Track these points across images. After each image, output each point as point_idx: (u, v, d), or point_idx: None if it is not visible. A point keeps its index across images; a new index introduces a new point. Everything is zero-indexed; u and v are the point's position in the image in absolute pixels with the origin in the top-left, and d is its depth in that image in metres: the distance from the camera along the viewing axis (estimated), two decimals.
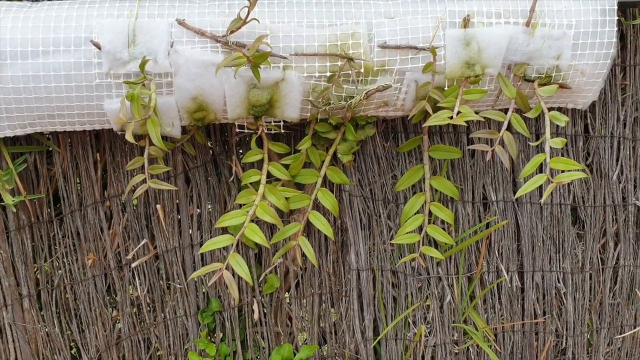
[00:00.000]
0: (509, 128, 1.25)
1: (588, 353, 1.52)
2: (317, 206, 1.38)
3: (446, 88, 1.22)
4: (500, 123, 1.24)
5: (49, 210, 1.41)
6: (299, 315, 1.50)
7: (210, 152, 1.42)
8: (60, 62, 1.14)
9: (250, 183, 1.31)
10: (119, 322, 1.49)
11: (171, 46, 1.15)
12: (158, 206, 1.41)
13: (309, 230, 1.44)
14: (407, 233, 1.35)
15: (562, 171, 1.18)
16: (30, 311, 1.45)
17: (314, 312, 1.49)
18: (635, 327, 1.52)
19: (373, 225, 1.44)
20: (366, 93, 1.20)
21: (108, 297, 1.48)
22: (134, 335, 1.48)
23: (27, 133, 1.25)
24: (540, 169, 1.33)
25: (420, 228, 1.36)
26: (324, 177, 1.35)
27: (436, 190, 1.39)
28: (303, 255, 1.34)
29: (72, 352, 1.51)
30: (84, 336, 1.48)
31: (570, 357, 1.51)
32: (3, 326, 1.45)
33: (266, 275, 1.46)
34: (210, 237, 1.41)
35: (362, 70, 1.18)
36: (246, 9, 1.10)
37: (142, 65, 1.12)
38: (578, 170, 1.18)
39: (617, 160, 1.44)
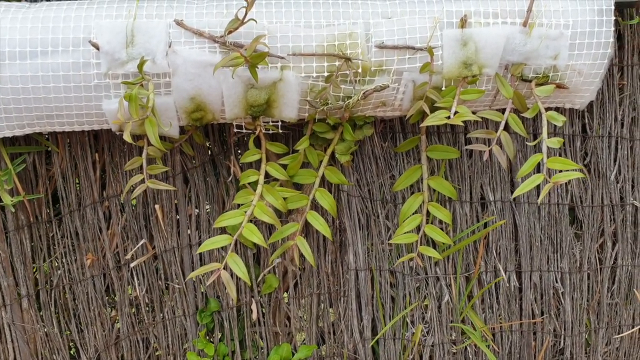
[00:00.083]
0: (507, 128, 1.25)
1: (586, 353, 1.53)
2: (315, 206, 1.38)
3: (444, 88, 1.23)
4: (498, 123, 1.25)
5: (47, 210, 1.42)
6: (297, 315, 1.50)
7: (209, 152, 1.42)
8: (59, 62, 1.15)
9: (249, 183, 1.32)
10: (117, 322, 1.49)
11: (169, 46, 1.15)
12: (157, 206, 1.41)
13: (308, 230, 1.44)
14: (405, 233, 1.35)
15: (560, 171, 1.19)
16: (29, 311, 1.45)
17: (312, 312, 1.49)
18: (633, 327, 1.52)
19: (371, 225, 1.44)
20: (364, 93, 1.20)
21: (107, 297, 1.48)
22: (132, 335, 1.49)
23: (26, 133, 1.26)
24: (538, 168, 1.34)
25: (418, 228, 1.36)
26: (322, 177, 1.36)
27: (434, 190, 1.39)
28: (301, 255, 1.34)
29: (71, 352, 1.52)
30: (82, 336, 1.48)
31: (568, 357, 1.51)
32: (2, 326, 1.46)
33: (265, 275, 1.47)
34: (209, 237, 1.42)
35: (359, 70, 1.18)
36: (244, 10, 1.10)
37: (141, 65, 1.12)
38: (575, 170, 1.18)
39: (615, 160, 1.45)
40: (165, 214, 1.42)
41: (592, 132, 1.43)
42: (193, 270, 1.44)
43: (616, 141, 1.44)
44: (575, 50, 1.23)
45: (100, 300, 1.46)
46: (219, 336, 1.49)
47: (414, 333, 1.47)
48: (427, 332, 1.48)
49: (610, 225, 1.47)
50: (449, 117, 1.18)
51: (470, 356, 1.49)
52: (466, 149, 1.40)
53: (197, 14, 1.17)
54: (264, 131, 1.28)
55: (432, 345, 1.48)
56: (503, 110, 1.26)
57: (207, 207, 1.44)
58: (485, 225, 1.44)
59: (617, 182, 1.45)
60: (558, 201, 1.44)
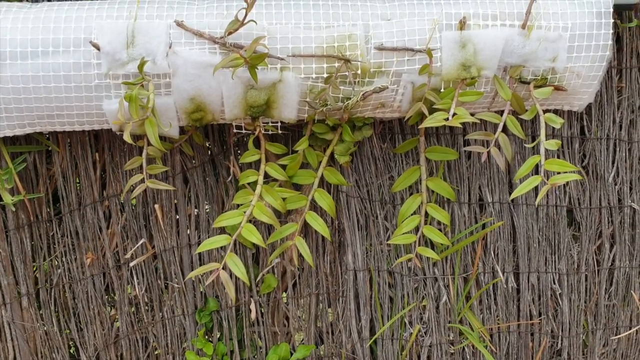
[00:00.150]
0: (505, 130, 1.26)
1: (584, 354, 1.53)
2: (314, 207, 1.39)
3: (442, 90, 1.23)
4: (496, 124, 1.25)
5: (48, 209, 1.42)
6: (296, 315, 1.50)
7: (209, 152, 1.42)
8: (60, 62, 1.15)
9: (248, 183, 1.32)
10: (117, 321, 1.50)
11: (170, 47, 1.16)
12: (156, 206, 1.42)
13: (307, 230, 1.45)
14: (403, 234, 1.36)
15: (558, 173, 1.19)
16: (29, 310, 1.46)
17: (311, 312, 1.50)
18: (630, 329, 1.53)
19: (370, 226, 1.45)
20: (363, 94, 1.20)
21: (106, 296, 1.48)
22: (132, 334, 1.49)
23: (27, 133, 1.26)
24: (536, 170, 1.34)
25: (417, 229, 1.37)
26: (321, 177, 1.36)
27: (432, 192, 1.40)
28: (300, 255, 1.35)
29: (71, 350, 1.52)
30: (82, 335, 1.49)
31: (565, 358, 1.51)
32: (2, 325, 1.46)
33: (263, 275, 1.47)
34: (208, 237, 1.42)
35: (359, 71, 1.19)
36: (244, 11, 1.11)
37: (141, 66, 1.13)
38: (573, 172, 1.18)
39: (613, 162, 1.45)
40: (164, 213, 1.43)
41: (591, 134, 1.43)
42: (192, 270, 1.45)
43: (614, 143, 1.44)
44: (573, 53, 1.24)
45: (99, 299, 1.46)
46: (218, 335, 1.50)
47: (412, 333, 1.47)
48: (425, 333, 1.48)
49: (608, 227, 1.48)
50: (447, 119, 1.19)
51: (468, 357, 1.49)
52: (465, 151, 1.41)
53: (198, 15, 1.18)
54: (263, 132, 1.29)
55: (430, 346, 1.49)
56: (501, 112, 1.27)
57: (207, 207, 1.45)
58: (484, 226, 1.44)
59: (615, 184, 1.46)
60: (556, 203, 1.45)
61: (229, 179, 1.43)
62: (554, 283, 1.48)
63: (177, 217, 1.45)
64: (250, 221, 1.28)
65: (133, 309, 1.49)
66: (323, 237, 1.45)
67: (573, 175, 1.18)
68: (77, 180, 1.41)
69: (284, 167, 1.34)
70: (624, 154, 1.44)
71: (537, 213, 1.45)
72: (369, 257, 1.46)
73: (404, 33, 1.19)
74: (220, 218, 1.28)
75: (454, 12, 1.21)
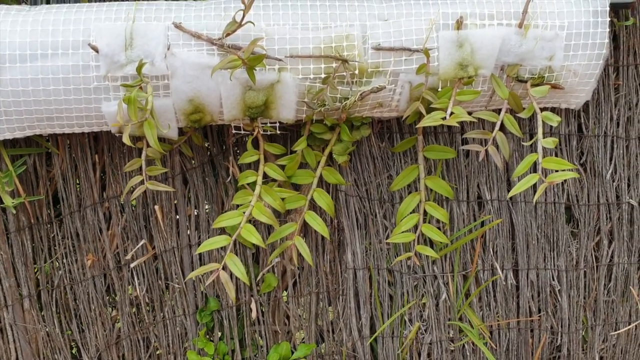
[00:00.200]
0: (502, 128, 1.26)
1: (583, 350, 1.54)
2: (313, 206, 1.40)
3: (440, 89, 1.24)
4: (494, 123, 1.26)
5: (48, 211, 1.43)
6: (296, 313, 1.51)
7: (208, 153, 1.43)
8: (59, 65, 1.16)
9: (247, 184, 1.33)
10: (118, 322, 1.50)
11: (168, 49, 1.16)
12: (156, 207, 1.42)
13: (306, 230, 1.45)
14: (402, 232, 1.36)
15: (555, 171, 1.20)
16: (30, 311, 1.46)
17: (311, 311, 1.50)
18: (629, 324, 1.53)
19: (369, 225, 1.45)
20: (361, 94, 1.21)
21: (107, 297, 1.49)
22: (133, 334, 1.50)
23: (26, 135, 1.27)
24: (534, 168, 1.35)
25: (416, 227, 1.38)
26: (319, 177, 1.37)
27: (431, 190, 1.40)
28: (300, 254, 1.36)
29: (73, 351, 1.53)
30: (84, 336, 1.50)
31: (565, 354, 1.52)
32: (4, 326, 1.47)
33: (264, 274, 1.48)
34: (208, 237, 1.43)
35: (356, 71, 1.19)
36: (241, 12, 1.11)
37: (139, 68, 1.13)
38: (570, 169, 1.19)
39: (611, 159, 1.46)
40: (164, 214, 1.43)
41: (588, 131, 1.44)
42: (193, 270, 1.45)
43: (612, 140, 1.45)
44: (570, 51, 1.24)
45: (101, 300, 1.47)
46: (219, 335, 1.50)
47: (411, 331, 1.48)
48: (425, 330, 1.49)
49: (607, 224, 1.48)
50: (444, 118, 1.19)
51: (468, 354, 1.50)
52: (463, 149, 1.41)
53: (196, 17, 1.18)
54: (262, 132, 1.29)
55: (430, 343, 1.49)
56: (499, 111, 1.27)
57: (207, 207, 1.45)
58: (482, 224, 1.45)
59: (613, 181, 1.46)
60: (554, 200, 1.45)
61: (229, 179, 1.43)
62: (553, 279, 1.49)
63: (177, 217, 1.45)
64: (249, 221, 1.29)
65: (134, 309, 1.50)
66: (322, 236, 1.45)
67: (570, 173, 1.18)
68: (77, 182, 1.42)
69: (282, 167, 1.34)
70: (621, 151, 1.45)
71: (536, 210, 1.45)
72: (368, 256, 1.46)
73: (401, 33, 1.20)
74: (219, 219, 1.29)
75: (450, 12, 1.21)
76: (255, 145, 1.34)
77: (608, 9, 1.23)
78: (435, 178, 1.38)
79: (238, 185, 1.36)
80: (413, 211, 1.38)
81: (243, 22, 1.12)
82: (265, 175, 1.33)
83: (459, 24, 1.20)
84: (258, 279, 1.48)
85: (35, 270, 1.46)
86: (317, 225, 1.35)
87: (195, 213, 1.45)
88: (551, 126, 1.40)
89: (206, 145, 1.42)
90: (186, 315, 1.49)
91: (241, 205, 1.31)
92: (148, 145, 1.25)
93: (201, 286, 1.49)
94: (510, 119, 1.25)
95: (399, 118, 1.38)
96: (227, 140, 1.41)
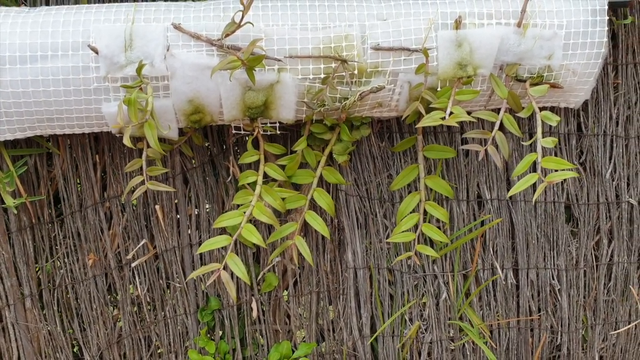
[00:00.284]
0: (501, 128, 1.27)
1: (583, 349, 1.54)
2: (313, 206, 1.40)
3: (439, 89, 1.24)
4: (493, 122, 1.26)
5: (49, 211, 1.43)
6: (297, 313, 1.51)
7: (208, 153, 1.43)
8: (59, 66, 1.16)
9: (248, 183, 1.33)
10: (119, 321, 1.51)
11: (167, 50, 1.17)
12: (157, 207, 1.43)
13: (307, 229, 1.46)
14: (402, 232, 1.37)
15: (555, 170, 1.20)
16: (32, 310, 1.47)
17: (312, 310, 1.51)
18: (629, 323, 1.53)
19: (369, 224, 1.45)
20: (360, 94, 1.21)
21: (109, 296, 1.50)
22: (134, 333, 1.50)
23: (27, 136, 1.27)
24: (534, 167, 1.35)
25: (416, 227, 1.38)
26: (320, 177, 1.37)
27: (431, 189, 1.41)
28: (300, 254, 1.36)
29: (74, 350, 1.54)
30: (85, 335, 1.50)
31: (565, 353, 1.52)
32: (6, 325, 1.48)
33: (264, 273, 1.48)
34: (209, 237, 1.43)
35: (355, 71, 1.19)
36: (240, 13, 1.11)
37: (139, 69, 1.14)
38: (569, 169, 1.19)
39: (610, 158, 1.46)
40: (165, 214, 1.44)
41: (588, 130, 1.44)
42: (194, 269, 1.46)
43: (611, 139, 1.45)
44: (569, 50, 1.25)
45: (102, 299, 1.48)
46: (220, 334, 1.51)
47: (411, 330, 1.48)
48: (425, 330, 1.49)
49: (606, 223, 1.48)
50: (444, 118, 1.19)
51: (468, 353, 1.50)
52: (462, 149, 1.42)
53: (195, 18, 1.18)
54: (262, 132, 1.30)
55: (430, 342, 1.50)
56: (498, 110, 1.28)
57: (207, 207, 1.46)
58: (482, 223, 1.45)
59: (613, 180, 1.46)
60: (554, 199, 1.45)
61: (229, 179, 1.44)
62: (553, 279, 1.49)
63: (178, 217, 1.46)
64: (250, 221, 1.29)
65: (135, 308, 1.50)
66: (323, 236, 1.46)
67: (569, 172, 1.18)
68: (78, 182, 1.42)
69: (283, 167, 1.35)
70: (620, 150, 1.45)
71: (536, 209, 1.45)
72: (368, 255, 1.47)
73: (400, 33, 1.20)
74: (220, 218, 1.29)
75: (449, 12, 1.21)
76: (256, 145, 1.35)
77: (607, 7, 1.23)
78: (435, 177, 1.38)
79: (238, 185, 1.37)
80: (413, 211, 1.39)
81: (242, 23, 1.12)
82: (265, 175, 1.33)
83: (458, 24, 1.20)
84: (259, 278, 1.48)
85: (37, 269, 1.47)
86: (318, 224, 1.36)
87: (196, 213, 1.46)
88: (550, 125, 1.40)
89: (206, 145, 1.43)
90: (187, 315, 1.49)
91: (242, 205, 1.31)
92: (148, 146, 1.25)
93: (202, 285, 1.49)
94: (509, 119, 1.25)
95: (398, 118, 1.38)
96: (227, 140, 1.41)
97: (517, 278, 1.48)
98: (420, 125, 1.21)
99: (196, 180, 1.44)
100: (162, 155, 1.35)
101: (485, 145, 1.24)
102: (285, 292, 1.51)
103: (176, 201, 1.45)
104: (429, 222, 1.41)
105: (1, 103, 1.18)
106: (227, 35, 1.15)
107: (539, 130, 1.22)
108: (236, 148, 1.42)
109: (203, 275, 1.48)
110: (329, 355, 1.53)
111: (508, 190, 1.44)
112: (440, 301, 1.48)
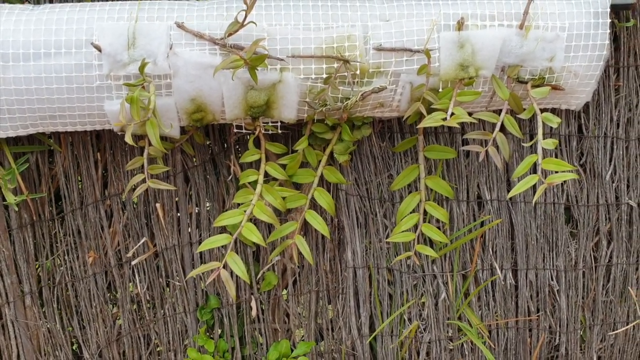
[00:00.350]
0: (502, 129, 1.27)
1: (581, 349, 1.54)
2: (314, 205, 1.40)
3: (440, 90, 1.24)
4: (494, 124, 1.26)
5: (50, 208, 1.43)
6: (296, 312, 1.52)
7: (209, 151, 1.44)
8: (62, 64, 1.16)
9: (248, 182, 1.33)
10: (119, 319, 1.51)
11: (170, 48, 1.17)
12: (157, 205, 1.43)
13: (307, 228, 1.46)
14: (402, 232, 1.37)
15: (555, 172, 1.20)
16: (32, 308, 1.47)
17: (311, 309, 1.51)
18: (627, 324, 1.54)
19: (369, 224, 1.46)
20: (362, 94, 1.21)
21: (108, 294, 1.50)
22: (134, 331, 1.51)
23: (29, 133, 1.27)
24: (534, 168, 1.35)
25: (416, 227, 1.38)
26: (320, 176, 1.37)
27: (431, 190, 1.41)
28: (300, 253, 1.36)
29: (74, 348, 1.54)
30: (84, 332, 1.50)
31: (563, 353, 1.53)
32: (5, 322, 1.48)
33: (264, 272, 1.48)
34: (209, 236, 1.44)
35: (357, 72, 1.19)
36: (243, 12, 1.11)
37: (142, 67, 1.14)
38: (569, 171, 1.19)
39: (610, 160, 1.46)
40: (166, 212, 1.44)
41: (588, 132, 1.44)
42: (194, 268, 1.46)
43: (612, 141, 1.45)
44: (571, 52, 1.25)
45: (102, 297, 1.48)
46: (219, 332, 1.51)
47: (411, 330, 1.49)
48: (424, 329, 1.50)
49: (606, 224, 1.49)
50: (445, 119, 1.20)
51: (467, 353, 1.51)
52: (463, 149, 1.42)
53: (198, 17, 1.19)
54: (263, 131, 1.30)
55: (429, 342, 1.50)
56: (499, 112, 1.28)
57: (208, 205, 1.46)
58: (482, 224, 1.46)
59: (613, 182, 1.47)
60: (554, 200, 1.46)
61: (230, 177, 1.44)
62: (552, 279, 1.49)
63: (179, 215, 1.46)
64: (250, 220, 1.29)
65: (135, 306, 1.50)
66: (323, 235, 1.46)
67: (570, 174, 1.19)
68: (79, 180, 1.42)
69: (283, 166, 1.35)
70: (621, 152, 1.45)
71: (535, 210, 1.46)
72: (368, 255, 1.47)
73: (402, 34, 1.20)
74: (220, 217, 1.29)
75: (452, 13, 1.22)
76: (257, 144, 1.35)
77: (609, 10, 1.24)
78: (436, 178, 1.39)
79: (239, 184, 1.37)
80: (413, 211, 1.39)
81: (245, 22, 1.13)
82: (266, 174, 1.33)
83: (460, 25, 1.21)
84: (258, 277, 1.49)
85: (37, 267, 1.47)
86: (318, 224, 1.36)
87: (196, 211, 1.46)
88: (551, 127, 1.41)
89: (208, 143, 1.43)
90: (187, 313, 1.49)
91: (242, 203, 1.32)
92: (150, 144, 1.25)
93: (202, 284, 1.49)
94: (510, 120, 1.26)
95: (399, 118, 1.39)
96: (228, 139, 1.41)
97: (516, 278, 1.49)
98: (421, 125, 1.22)
99: (197, 178, 1.44)
100: (164, 154, 1.35)
101: (486, 146, 1.24)
102: (285, 291, 1.52)
103: (177, 199, 1.45)
104: (429, 222, 1.41)
105: (4, 100, 1.18)
106: (230, 34, 1.15)
107: (540, 131, 1.22)
108: (237, 147, 1.42)
109: (203, 273, 1.48)
110: (327, 355, 1.53)
111: (508, 191, 1.45)
112: (439, 301, 1.48)
